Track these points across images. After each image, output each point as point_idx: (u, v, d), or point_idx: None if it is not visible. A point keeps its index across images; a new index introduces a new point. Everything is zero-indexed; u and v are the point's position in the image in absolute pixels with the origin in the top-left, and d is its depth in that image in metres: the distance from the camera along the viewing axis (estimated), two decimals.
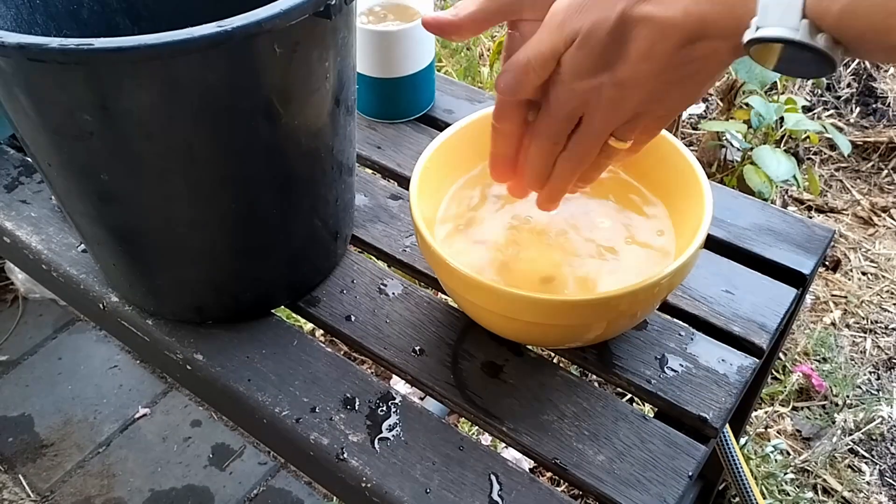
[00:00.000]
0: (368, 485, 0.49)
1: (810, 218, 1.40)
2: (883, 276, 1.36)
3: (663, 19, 0.37)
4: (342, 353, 1.07)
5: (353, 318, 0.59)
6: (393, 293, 0.61)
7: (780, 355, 1.21)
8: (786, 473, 1.07)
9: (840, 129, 1.60)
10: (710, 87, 0.41)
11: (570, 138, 0.44)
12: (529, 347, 0.57)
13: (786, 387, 1.16)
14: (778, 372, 1.20)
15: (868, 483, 1.08)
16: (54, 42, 0.39)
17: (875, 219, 1.47)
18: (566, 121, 0.43)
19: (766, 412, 1.15)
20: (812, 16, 0.32)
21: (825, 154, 1.59)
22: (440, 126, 0.77)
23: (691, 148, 1.51)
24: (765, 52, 0.34)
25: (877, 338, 1.26)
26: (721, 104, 1.51)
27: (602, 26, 0.39)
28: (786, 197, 1.49)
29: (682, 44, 0.37)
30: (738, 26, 0.35)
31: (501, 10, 0.46)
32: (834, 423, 1.14)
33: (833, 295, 1.33)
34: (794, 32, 0.32)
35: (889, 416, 1.14)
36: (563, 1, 0.40)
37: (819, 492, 1.07)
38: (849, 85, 1.70)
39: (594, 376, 0.60)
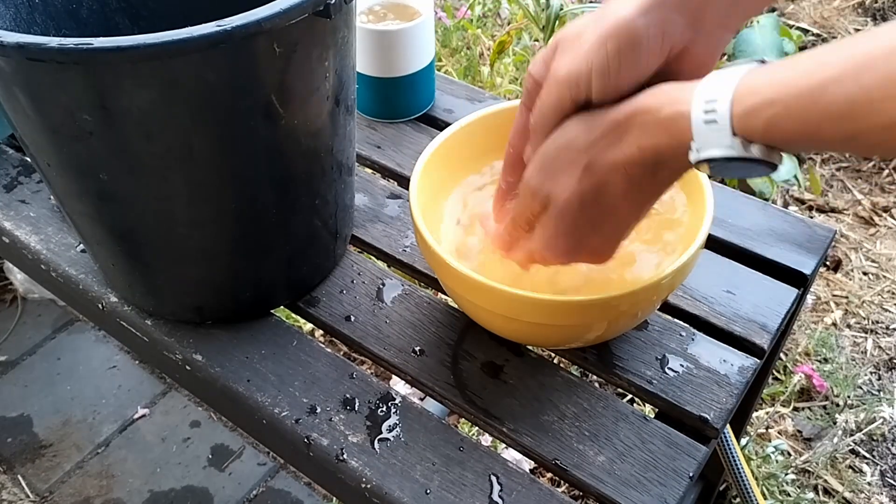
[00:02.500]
0: (368, 485, 0.49)
1: (811, 218, 1.40)
2: (884, 276, 1.36)
3: (625, 160, 0.40)
4: (342, 353, 1.06)
5: (352, 319, 0.59)
6: (393, 293, 0.61)
7: (781, 355, 1.20)
8: (787, 474, 1.06)
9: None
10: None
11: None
12: (530, 348, 0.57)
13: (787, 387, 1.16)
14: (779, 372, 1.20)
15: (869, 484, 1.08)
16: (53, 42, 0.39)
17: (876, 219, 1.47)
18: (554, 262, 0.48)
19: (766, 412, 1.15)
20: (742, 133, 0.35)
21: (826, 154, 1.59)
22: (440, 126, 0.77)
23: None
24: (711, 167, 0.37)
25: (878, 338, 1.26)
26: None
27: (572, 187, 0.42)
28: (787, 197, 1.49)
29: (650, 173, 0.40)
30: (685, 149, 0.37)
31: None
32: (835, 423, 1.14)
33: (834, 295, 1.33)
34: (729, 150, 0.35)
35: (890, 417, 1.14)
36: (531, 168, 0.44)
37: (820, 492, 1.07)
38: None
39: (595, 377, 0.60)
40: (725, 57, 1.31)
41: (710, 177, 0.46)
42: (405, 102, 0.76)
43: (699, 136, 0.36)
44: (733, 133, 0.35)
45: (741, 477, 0.75)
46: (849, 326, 1.28)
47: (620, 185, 0.41)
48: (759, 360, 0.56)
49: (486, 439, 0.98)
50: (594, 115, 0.41)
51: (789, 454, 1.10)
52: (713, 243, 0.64)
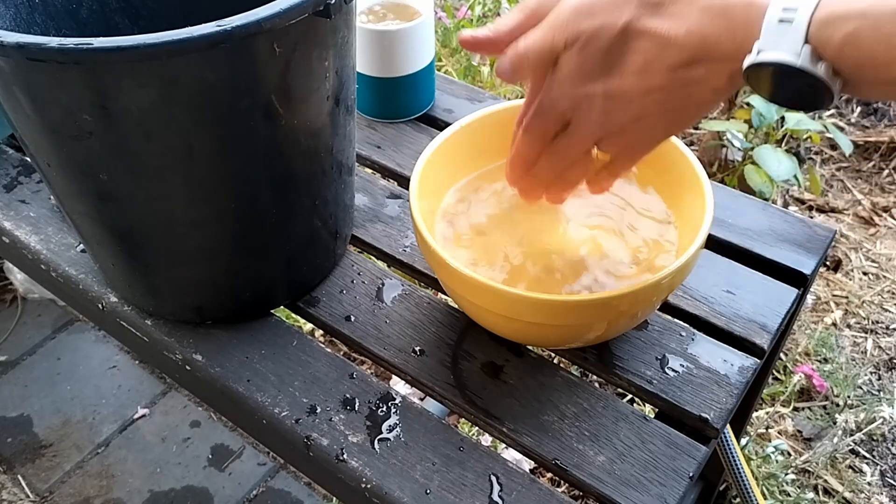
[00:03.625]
0: (368, 485, 0.49)
1: (811, 218, 1.40)
2: (884, 276, 1.36)
3: (665, 35, 0.37)
4: (342, 353, 1.06)
5: (352, 319, 0.59)
6: (393, 293, 0.61)
7: (781, 355, 1.20)
8: (787, 474, 1.06)
9: (841, 129, 1.60)
10: (698, 118, 0.41)
11: (557, 136, 0.44)
12: (529, 348, 0.57)
13: (787, 387, 1.16)
14: (779, 372, 1.20)
15: (869, 484, 1.08)
16: (53, 41, 0.39)
17: (876, 219, 1.47)
18: (555, 121, 0.43)
19: (766, 412, 1.15)
20: (814, 43, 0.32)
21: (826, 154, 1.59)
22: (440, 126, 0.77)
23: (692, 147, 1.51)
24: (763, 78, 0.34)
25: (878, 338, 1.26)
26: (722, 103, 1.50)
27: (605, 33, 0.39)
28: (787, 197, 1.49)
29: (680, 63, 0.37)
30: (738, 49, 0.34)
31: (536, 13, 0.45)
32: (835, 423, 1.14)
33: (834, 295, 1.33)
34: (795, 57, 0.32)
35: (890, 417, 1.14)
36: (570, 2, 0.40)
37: (820, 492, 1.07)
38: None
39: (595, 377, 0.60)
40: None
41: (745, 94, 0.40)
42: (405, 102, 0.76)
43: (767, 35, 0.33)
44: (806, 39, 0.32)
45: (741, 477, 0.75)
46: (849, 326, 1.28)
47: (644, 60, 0.38)
48: (759, 360, 0.56)
49: (486, 439, 0.98)
50: None
51: (789, 454, 1.10)
52: (713, 243, 0.64)
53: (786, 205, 1.47)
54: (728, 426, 0.66)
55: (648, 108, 0.40)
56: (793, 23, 0.32)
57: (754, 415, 1.13)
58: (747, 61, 0.34)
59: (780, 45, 0.32)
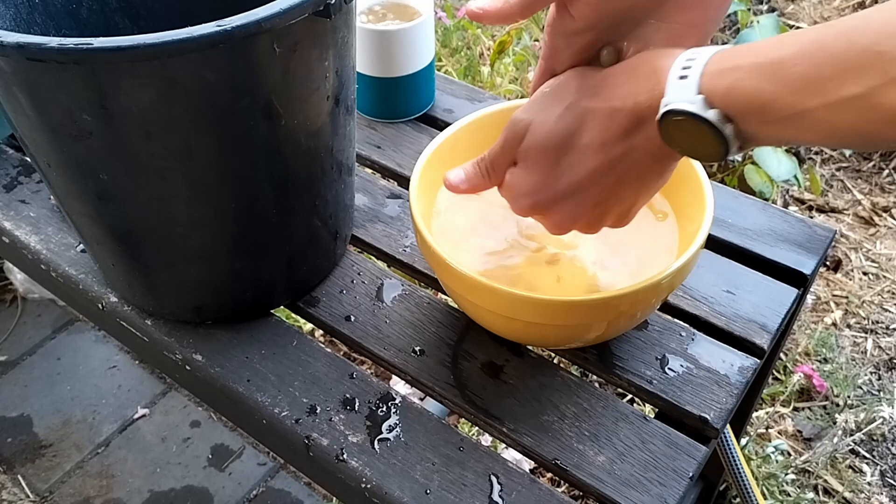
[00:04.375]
0: (368, 485, 0.49)
1: (811, 218, 1.40)
2: (884, 277, 1.36)
3: (605, 107, 0.42)
4: (342, 353, 1.06)
5: (352, 319, 0.59)
6: (393, 293, 0.61)
7: (781, 355, 1.20)
8: (787, 474, 1.06)
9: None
10: (647, 189, 0.45)
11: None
12: (530, 348, 0.57)
13: (787, 387, 1.16)
14: (779, 372, 1.20)
15: (869, 484, 1.08)
16: (53, 41, 0.39)
17: (876, 219, 1.47)
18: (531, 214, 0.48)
19: (766, 412, 1.15)
20: (706, 92, 0.37)
21: (826, 154, 1.59)
22: (440, 126, 0.77)
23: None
24: (673, 131, 0.39)
25: (878, 338, 1.26)
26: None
27: (550, 121, 0.44)
28: (787, 197, 1.49)
29: (625, 131, 0.41)
30: (657, 107, 0.39)
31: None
32: (835, 423, 1.14)
33: (834, 295, 1.33)
34: (690, 105, 0.37)
35: (890, 417, 1.14)
36: (525, 106, 0.46)
37: (820, 492, 1.06)
38: None
39: (595, 377, 0.60)
40: None
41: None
42: (405, 102, 0.76)
43: (670, 90, 0.38)
44: (699, 90, 0.37)
45: (741, 477, 0.75)
46: (849, 326, 1.28)
47: (591, 134, 0.42)
48: (759, 360, 0.56)
49: (486, 439, 0.98)
50: (591, 69, 0.45)
51: (789, 454, 1.10)
52: (713, 243, 0.64)
53: (786, 205, 1.47)
54: (728, 426, 0.66)
55: (609, 173, 0.43)
56: (688, 77, 0.37)
57: (754, 415, 1.13)
58: (660, 111, 0.39)
59: (680, 97, 0.37)
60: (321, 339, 1.13)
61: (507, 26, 1.50)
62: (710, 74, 0.37)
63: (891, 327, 1.28)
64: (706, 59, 0.37)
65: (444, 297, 0.62)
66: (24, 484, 1.13)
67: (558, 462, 0.50)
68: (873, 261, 1.38)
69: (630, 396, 0.81)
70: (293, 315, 0.61)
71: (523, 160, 0.46)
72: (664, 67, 0.39)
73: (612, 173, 0.43)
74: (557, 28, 0.47)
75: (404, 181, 0.71)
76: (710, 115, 0.36)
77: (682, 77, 0.38)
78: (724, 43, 0.46)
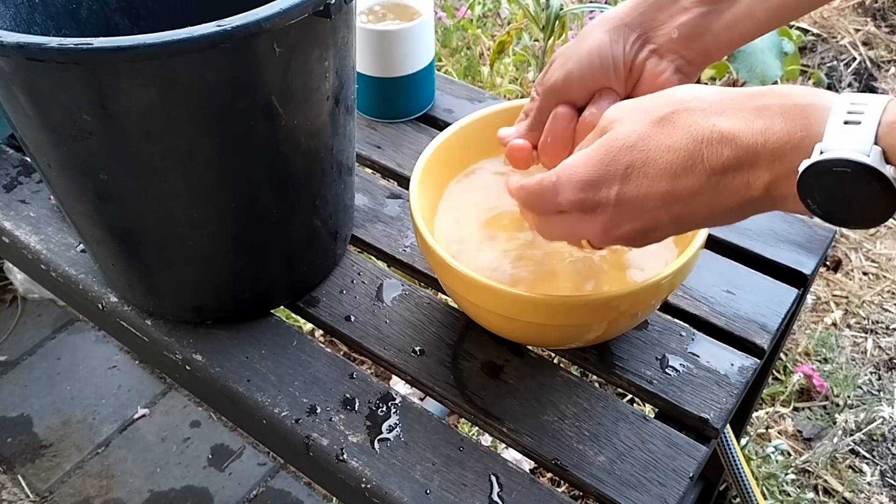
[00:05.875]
0: (368, 485, 0.49)
1: (811, 218, 1.40)
2: (884, 277, 1.36)
3: (721, 129, 0.35)
4: (342, 353, 1.06)
5: (352, 319, 0.59)
6: (393, 293, 0.61)
7: (781, 355, 1.20)
8: (787, 474, 1.06)
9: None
10: (704, 225, 0.40)
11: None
12: (530, 348, 0.57)
13: (787, 387, 1.16)
14: (779, 372, 1.20)
15: (869, 484, 1.08)
16: (53, 41, 0.39)
17: None
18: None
19: (766, 412, 1.15)
20: (884, 145, 0.31)
21: None
22: (440, 126, 0.77)
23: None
24: (818, 183, 0.32)
25: (878, 338, 1.26)
26: None
27: (627, 133, 0.38)
28: None
29: (728, 165, 0.35)
30: (790, 151, 0.33)
31: (557, 98, 0.49)
32: (835, 423, 1.14)
33: (834, 295, 1.33)
34: (863, 157, 0.31)
35: (890, 417, 1.14)
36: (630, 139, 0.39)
37: (820, 492, 1.07)
38: (850, 84, 1.70)
39: (595, 377, 0.60)
40: (725, 58, 1.31)
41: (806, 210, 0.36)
42: (405, 102, 0.76)
43: (832, 135, 0.32)
44: (875, 140, 0.31)
45: (741, 477, 0.75)
46: (849, 326, 1.28)
47: (683, 154, 0.36)
48: (759, 360, 0.56)
49: (486, 439, 0.98)
50: (707, 88, 0.37)
51: (789, 454, 1.10)
52: (713, 243, 0.64)
53: None
54: (728, 426, 0.66)
55: (661, 219, 0.38)
56: (861, 124, 0.31)
57: (754, 415, 1.13)
58: (806, 162, 0.32)
59: (846, 145, 0.31)
60: (321, 339, 1.13)
61: (505, 27, 1.50)
62: (890, 124, 0.31)
63: (891, 327, 1.28)
64: (882, 104, 0.31)
65: (444, 297, 0.62)
66: (24, 484, 1.13)
67: (558, 462, 0.50)
68: (873, 261, 1.38)
69: (630, 396, 0.81)
70: (293, 315, 0.61)
71: (596, 149, 0.39)
72: (815, 107, 0.33)
73: (677, 204, 0.37)
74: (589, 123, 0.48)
75: (404, 181, 0.71)
76: (889, 171, 0.30)
77: (849, 122, 0.31)
78: None
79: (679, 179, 0.36)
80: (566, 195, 0.40)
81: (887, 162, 0.31)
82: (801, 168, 0.32)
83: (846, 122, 0.31)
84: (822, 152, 0.32)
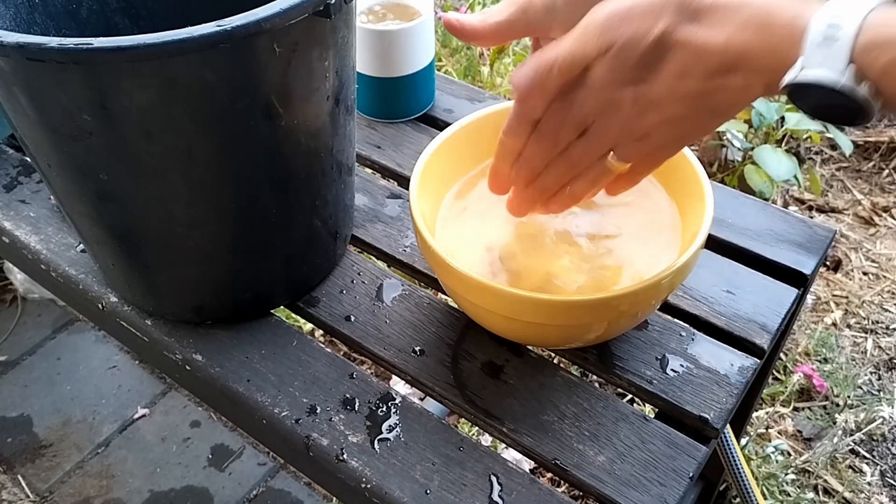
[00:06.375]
0: (368, 485, 0.49)
1: (811, 218, 1.40)
2: (884, 277, 1.36)
3: (703, 44, 0.36)
4: (342, 353, 1.06)
5: (352, 319, 0.59)
6: (393, 293, 0.61)
7: (781, 355, 1.20)
8: (787, 474, 1.06)
9: (841, 129, 1.60)
10: (724, 122, 0.41)
11: (570, 144, 0.44)
12: (530, 348, 0.57)
13: (787, 387, 1.16)
14: (779, 372, 1.20)
15: (869, 484, 1.08)
16: (53, 41, 0.39)
17: (876, 219, 1.47)
18: (575, 125, 0.43)
19: (766, 412, 1.15)
20: (859, 64, 0.32)
21: (826, 154, 1.59)
22: (440, 126, 0.77)
23: (692, 147, 1.51)
24: (805, 94, 0.34)
25: (878, 338, 1.26)
26: None
27: (642, 40, 0.38)
28: (787, 197, 1.49)
29: (716, 72, 0.37)
30: (779, 64, 0.34)
31: (530, 26, 0.46)
32: (835, 423, 1.14)
33: (834, 295, 1.33)
34: (839, 77, 0.32)
35: (890, 417, 1.14)
36: (604, 10, 0.40)
37: (820, 492, 1.07)
38: None
39: (595, 377, 0.60)
40: None
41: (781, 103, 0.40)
42: (405, 102, 0.76)
43: (810, 53, 0.33)
44: (850, 59, 0.32)
45: (741, 477, 0.75)
46: (849, 326, 1.28)
47: (680, 67, 0.37)
48: (759, 360, 0.56)
49: (486, 439, 0.98)
50: None
51: (789, 454, 1.10)
52: (713, 243, 0.64)
53: (786, 205, 1.47)
54: (728, 426, 0.66)
55: (677, 112, 0.39)
56: (837, 42, 0.32)
57: (754, 415, 1.13)
58: (789, 77, 0.34)
59: (823, 63, 0.32)
60: (321, 339, 1.13)
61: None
62: (865, 44, 0.32)
63: (891, 327, 1.28)
64: (858, 22, 0.32)
65: (444, 297, 0.62)
66: (24, 484, 1.13)
67: (558, 462, 0.50)
68: (873, 261, 1.38)
69: (630, 396, 0.81)
70: (293, 315, 0.61)
71: (598, 78, 0.40)
72: (796, 20, 0.34)
73: (683, 103, 0.38)
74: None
75: (404, 181, 0.71)
76: (863, 90, 0.32)
77: (827, 39, 0.32)
78: None
79: (679, 83, 0.38)
80: (589, 95, 0.40)
81: (863, 78, 0.32)
82: (783, 84, 0.34)
83: (824, 39, 0.32)
84: (802, 68, 0.33)
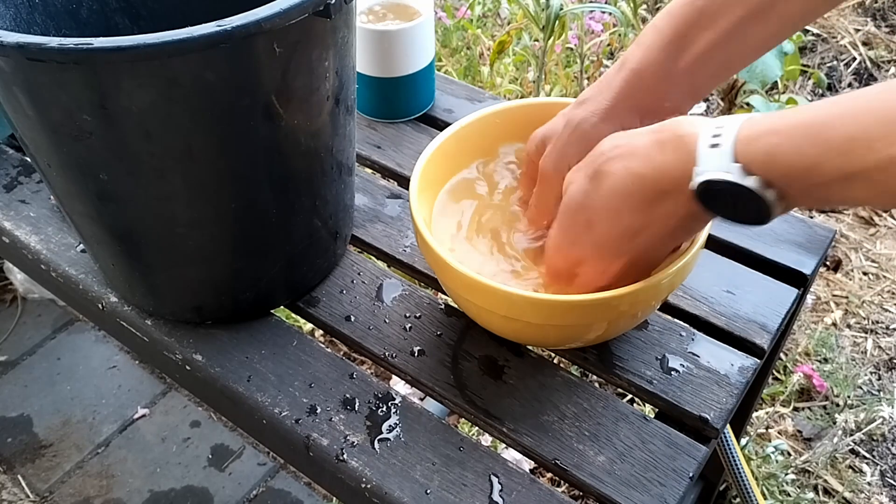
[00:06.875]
0: (368, 485, 0.49)
1: (811, 218, 1.40)
2: (884, 277, 1.36)
3: (626, 170, 0.42)
4: (342, 353, 1.06)
5: (352, 319, 0.59)
6: (393, 293, 0.61)
7: (781, 355, 1.20)
8: (787, 474, 1.06)
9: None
10: (688, 237, 0.47)
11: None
12: (530, 348, 0.57)
13: (787, 387, 1.16)
14: (779, 372, 1.20)
15: (869, 484, 1.08)
16: (53, 41, 0.39)
17: (876, 219, 1.47)
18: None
19: (766, 412, 1.15)
20: (742, 160, 0.36)
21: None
22: (440, 126, 0.77)
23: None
24: (711, 201, 0.38)
25: (878, 338, 1.26)
26: (722, 104, 1.50)
27: (579, 185, 0.45)
28: None
29: (648, 199, 0.42)
30: (687, 176, 0.39)
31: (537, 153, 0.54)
32: (835, 423, 1.14)
33: (834, 295, 1.33)
34: (726, 174, 0.36)
35: (890, 417, 1.14)
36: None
37: (820, 492, 1.07)
38: (850, 84, 1.70)
39: (595, 377, 0.60)
40: None
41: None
42: (405, 102, 0.76)
43: (703, 159, 0.38)
44: (734, 158, 0.36)
45: (741, 477, 0.75)
46: (849, 326, 1.28)
47: (615, 201, 0.43)
48: (759, 360, 0.56)
49: (486, 439, 0.98)
50: (623, 133, 0.44)
51: (789, 454, 1.10)
52: (713, 243, 0.64)
53: None
54: (728, 426, 0.66)
55: (634, 251, 0.45)
56: (721, 145, 0.37)
57: (754, 415, 1.13)
58: (692, 183, 0.38)
59: (714, 166, 0.37)
60: (321, 339, 1.13)
61: (505, 27, 1.50)
62: (744, 141, 0.36)
63: (891, 327, 1.28)
64: (737, 125, 0.37)
65: (444, 297, 0.62)
66: (24, 484, 1.13)
67: (558, 462, 0.50)
68: (873, 261, 1.38)
69: (630, 396, 0.81)
70: (293, 315, 0.61)
71: (557, 220, 0.48)
72: (690, 136, 0.39)
73: (638, 237, 0.44)
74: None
75: (404, 181, 0.71)
76: (750, 182, 0.36)
77: (713, 146, 0.37)
78: None
79: (624, 217, 0.43)
80: (551, 263, 0.50)
81: (750, 173, 0.36)
82: (689, 189, 0.39)
83: (712, 146, 0.37)
84: (698, 173, 0.38)
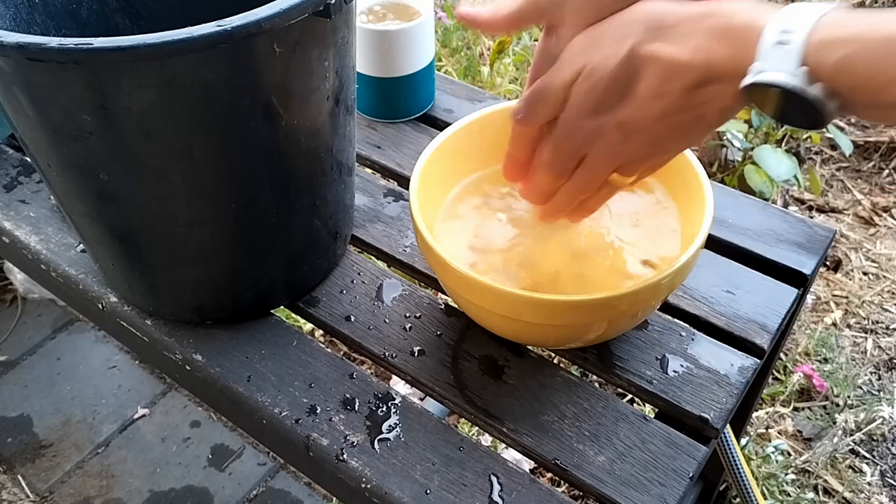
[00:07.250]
0: (368, 485, 0.49)
1: (811, 218, 1.40)
2: (884, 277, 1.36)
3: (670, 59, 0.37)
4: (342, 353, 1.06)
5: (352, 319, 0.59)
6: (393, 293, 0.61)
7: (781, 355, 1.20)
8: (787, 474, 1.06)
9: (841, 129, 1.60)
10: (710, 133, 0.42)
11: (574, 170, 0.45)
12: (530, 348, 0.57)
13: (787, 387, 1.16)
14: (779, 372, 1.20)
15: (869, 484, 1.08)
16: (53, 41, 0.39)
17: (876, 219, 1.47)
18: (570, 157, 0.44)
19: (766, 413, 1.15)
20: (810, 64, 0.33)
21: (826, 154, 1.59)
22: (440, 126, 0.77)
23: (692, 148, 1.51)
24: (763, 98, 0.35)
25: (878, 338, 1.26)
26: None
27: (609, 62, 0.39)
28: (787, 197, 1.49)
29: (689, 86, 0.38)
30: (740, 70, 0.35)
31: (542, 13, 0.46)
32: (835, 423, 1.14)
33: (834, 295, 1.33)
34: (791, 78, 0.33)
35: (890, 417, 1.14)
36: (579, 35, 0.41)
37: (820, 492, 1.07)
38: None
39: (595, 377, 0.60)
40: None
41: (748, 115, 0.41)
42: (405, 102, 0.76)
43: (764, 56, 0.34)
44: (802, 62, 0.33)
45: (741, 477, 0.75)
46: (849, 326, 1.28)
47: (653, 85, 0.38)
48: (759, 360, 0.56)
49: (486, 439, 0.98)
50: (662, 6, 0.39)
51: (789, 454, 1.10)
52: (713, 243, 0.64)
53: (786, 205, 1.47)
54: (728, 426, 0.66)
55: (662, 132, 0.40)
56: (789, 45, 0.33)
57: (754, 415, 1.13)
58: (745, 81, 0.35)
59: (778, 67, 0.34)
60: (321, 339, 1.13)
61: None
62: (816, 44, 0.33)
63: (891, 327, 1.28)
64: (810, 23, 0.33)
65: (444, 297, 0.62)
66: (24, 484, 1.13)
67: (558, 462, 0.50)
68: (873, 261, 1.38)
69: (630, 396, 0.81)
70: (293, 315, 0.61)
71: (576, 103, 0.41)
72: (753, 27, 0.35)
73: (665, 122, 0.39)
74: (544, 50, 0.46)
75: (404, 181, 0.71)
76: (815, 91, 0.33)
77: (780, 43, 0.33)
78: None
79: (656, 102, 0.39)
80: (575, 124, 0.42)
81: (816, 80, 0.33)
82: (741, 86, 0.35)
83: (777, 43, 0.34)
84: (756, 73, 0.34)
